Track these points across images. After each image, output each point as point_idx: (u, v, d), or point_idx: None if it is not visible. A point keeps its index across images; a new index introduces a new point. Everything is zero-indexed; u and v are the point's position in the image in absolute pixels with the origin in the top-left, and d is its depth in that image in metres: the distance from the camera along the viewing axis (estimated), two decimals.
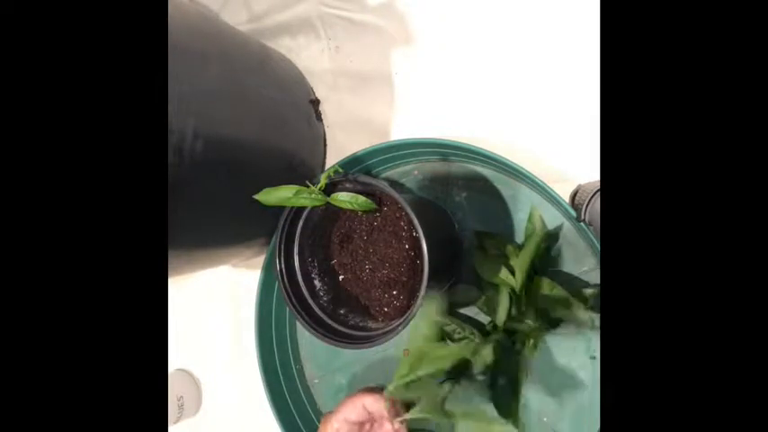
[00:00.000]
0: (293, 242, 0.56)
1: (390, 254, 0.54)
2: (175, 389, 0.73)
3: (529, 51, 0.60)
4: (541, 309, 0.53)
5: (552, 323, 0.53)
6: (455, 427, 0.50)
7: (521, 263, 0.53)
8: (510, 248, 0.56)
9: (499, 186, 0.59)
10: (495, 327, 0.56)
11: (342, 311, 0.56)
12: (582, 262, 0.55)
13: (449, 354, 0.51)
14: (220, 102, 0.51)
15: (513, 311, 0.55)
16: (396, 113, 0.66)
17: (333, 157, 0.69)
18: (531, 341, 0.55)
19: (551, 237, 0.56)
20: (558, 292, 0.52)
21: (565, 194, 0.54)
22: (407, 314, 0.48)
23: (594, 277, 0.54)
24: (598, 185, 0.49)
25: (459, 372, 0.53)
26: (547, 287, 0.52)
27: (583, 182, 0.55)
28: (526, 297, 0.55)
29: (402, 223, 0.54)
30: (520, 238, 0.58)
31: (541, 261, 0.55)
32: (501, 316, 0.55)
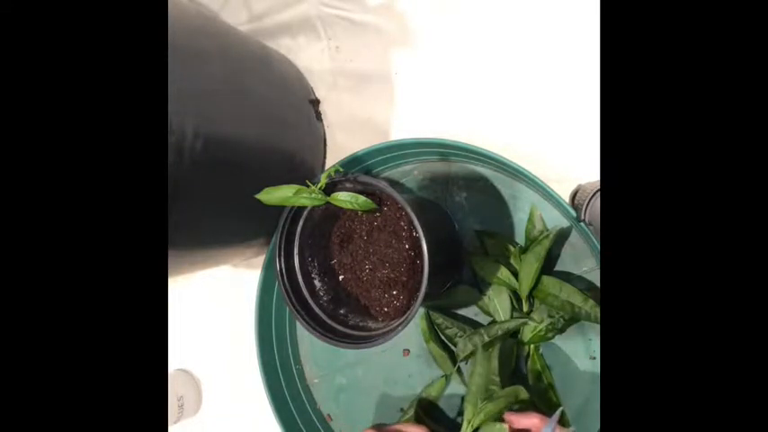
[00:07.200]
0: (293, 242, 0.55)
1: (390, 254, 0.54)
2: (175, 389, 0.73)
3: (529, 51, 0.60)
4: (550, 309, 0.53)
5: (563, 325, 0.53)
6: None
7: (528, 268, 0.53)
8: (511, 249, 0.56)
9: (499, 186, 0.59)
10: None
11: (342, 311, 0.56)
12: (582, 262, 0.55)
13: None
14: (220, 101, 0.51)
15: (516, 313, 0.55)
16: (396, 113, 0.66)
17: (333, 157, 0.69)
18: (533, 346, 0.55)
19: (559, 239, 0.55)
20: (568, 289, 0.52)
21: (565, 194, 0.54)
22: (407, 314, 0.48)
23: (594, 277, 0.54)
24: (598, 185, 0.49)
25: None
26: (555, 287, 0.52)
27: (583, 182, 0.55)
28: (533, 299, 0.55)
29: (402, 223, 0.54)
30: (520, 238, 0.58)
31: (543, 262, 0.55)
32: (503, 317, 0.55)
